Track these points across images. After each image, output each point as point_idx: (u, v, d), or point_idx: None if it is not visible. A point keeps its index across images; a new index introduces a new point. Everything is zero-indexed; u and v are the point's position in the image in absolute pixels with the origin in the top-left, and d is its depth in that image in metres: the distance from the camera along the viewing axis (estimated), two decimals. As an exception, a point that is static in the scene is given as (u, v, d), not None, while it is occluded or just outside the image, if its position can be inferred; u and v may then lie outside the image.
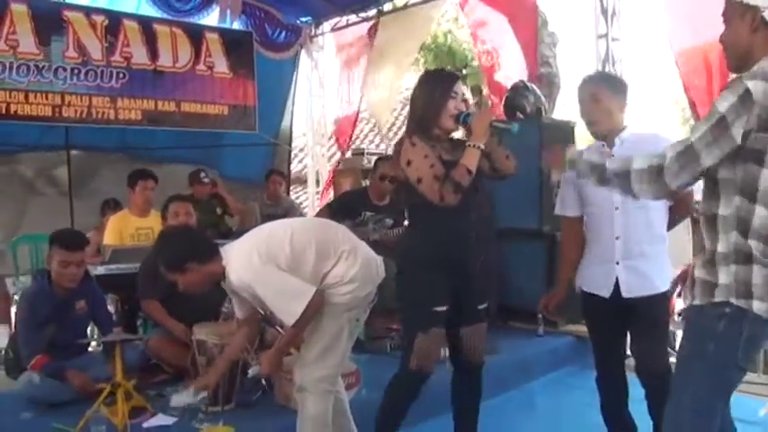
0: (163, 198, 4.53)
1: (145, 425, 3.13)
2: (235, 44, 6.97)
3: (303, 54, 7.85)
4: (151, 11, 6.45)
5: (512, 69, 6.03)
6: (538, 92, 4.87)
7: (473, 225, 2.78)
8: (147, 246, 4.42)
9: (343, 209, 4.85)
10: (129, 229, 4.86)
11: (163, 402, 3.32)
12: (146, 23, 6.31)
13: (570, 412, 3.83)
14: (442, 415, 3.00)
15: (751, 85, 1.68)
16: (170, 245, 2.82)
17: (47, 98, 5.69)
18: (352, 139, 8.09)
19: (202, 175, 6.00)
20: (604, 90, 2.71)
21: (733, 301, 1.82)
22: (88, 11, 5.98)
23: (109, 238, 4.84)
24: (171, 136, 6.74)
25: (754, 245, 1.79)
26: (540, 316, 4.62)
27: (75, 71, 5.85)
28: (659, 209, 2.71)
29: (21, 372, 3.51)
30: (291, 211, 6.52)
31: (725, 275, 1.84)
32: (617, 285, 2.71)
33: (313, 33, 7.79)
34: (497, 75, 6.24)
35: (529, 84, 4.96)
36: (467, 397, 2.88)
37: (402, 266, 2.74)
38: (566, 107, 6.13)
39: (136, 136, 6.66)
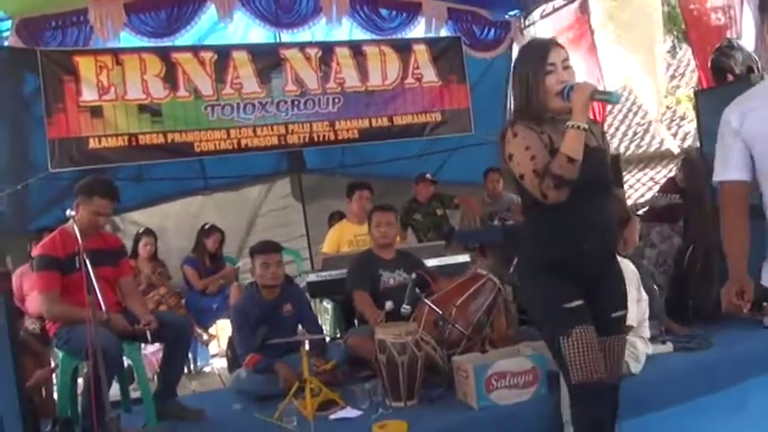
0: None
1: (332, 417, 3.44)
2: (443, 51, 7.15)
3: (515, 47, 7.74)
4: (361, 34, 6.89)
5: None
6: (746, 49, 4.25)
7: (602, 216, 2.33)
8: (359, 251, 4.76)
9: None
10: (347, 235, 5.32)
11: (355, 396, 3.59)
12: (356, 48, 6.79)
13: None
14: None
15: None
16: None
17: (272, 130, 6.40)
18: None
19: (428, 175, 6.39)
20: None
21: None
22: (302, 46, 6.61)
23: (327, 246, 5.36)
24: (388, 149, 7.13)
25: None
26: (765, 304, 4.03)
27: (296, 102, 6.50)
28: None
29: (238, 368, 4.06)
30: (513, 206, 6.29)
31: None
32: None
33: (523, 25, 7.66)
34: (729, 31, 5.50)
35: (735, 41, 4.35)
36: None
37: (519, 272, 2.47)
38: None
39: (355, 154, 7.24)
